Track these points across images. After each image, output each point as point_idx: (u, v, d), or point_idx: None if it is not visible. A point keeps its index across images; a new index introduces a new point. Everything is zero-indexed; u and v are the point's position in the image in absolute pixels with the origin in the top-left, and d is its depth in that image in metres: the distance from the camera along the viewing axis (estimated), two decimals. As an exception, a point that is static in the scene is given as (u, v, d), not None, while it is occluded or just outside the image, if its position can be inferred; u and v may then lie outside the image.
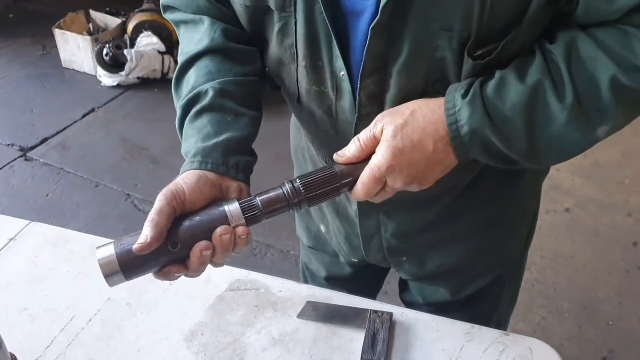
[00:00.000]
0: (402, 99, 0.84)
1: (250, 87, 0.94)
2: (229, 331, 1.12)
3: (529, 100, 0.76)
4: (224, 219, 0.80)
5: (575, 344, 2.32)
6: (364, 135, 0.82)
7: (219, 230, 0.78)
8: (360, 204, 1.08)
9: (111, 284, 0.78)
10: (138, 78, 3.94)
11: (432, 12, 0.76)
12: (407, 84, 0.84)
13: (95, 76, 4.03)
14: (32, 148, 3.46)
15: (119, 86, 3.95)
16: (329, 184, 0.83)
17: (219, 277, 1.23)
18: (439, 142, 0.79)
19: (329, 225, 1.24)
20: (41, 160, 3.37)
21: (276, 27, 0.88)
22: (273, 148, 3.24)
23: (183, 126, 0.91)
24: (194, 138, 0.87)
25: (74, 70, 4.15)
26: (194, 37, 0.96)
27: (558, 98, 0.76)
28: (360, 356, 1.05)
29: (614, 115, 0.75)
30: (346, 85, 0.87)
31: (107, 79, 3.94)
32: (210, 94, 0.88)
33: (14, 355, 0.93)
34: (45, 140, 3.52)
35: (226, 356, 1.07)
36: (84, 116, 3.74)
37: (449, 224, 1.10)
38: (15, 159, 3.38)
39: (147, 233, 0.75)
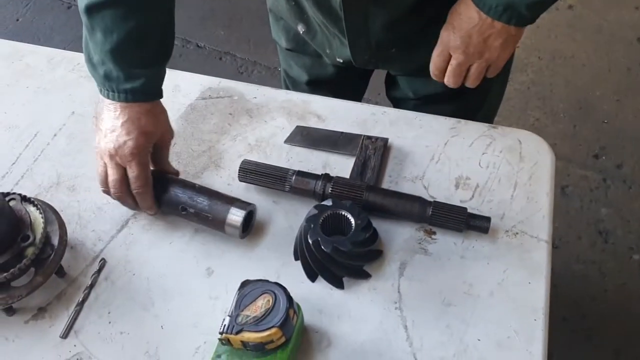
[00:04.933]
0: None
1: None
2: (203, 139, 1.07)
3: None
4: None
5: (567, 143, 2.31)
6: None
7: None
8: None
9: None
10: None
11: None
12: None
13: None
14: (-6, -32, 3.18)
15: None
16: None
17: (189, 86, 1.15)
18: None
19: (309, 21, 1.13)
20: (6, -18, 3.12)
21: None
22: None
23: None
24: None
25: None
26: None
27: None
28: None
29: None
30: None
31: None
32: None
33: None
34: (7, -42, 3.22)
35: (201, 163, 1.03)
36: None
37: (439, 1, 1.00)
38: (-22, -18, 3.12)
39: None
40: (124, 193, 0.91)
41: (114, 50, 0.88)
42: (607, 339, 1.86)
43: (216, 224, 0.90)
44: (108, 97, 0.91)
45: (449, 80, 1.01)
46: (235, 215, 0.89)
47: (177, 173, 0.99)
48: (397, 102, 1.27)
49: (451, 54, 0.97)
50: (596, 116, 2.39)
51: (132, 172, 0.90)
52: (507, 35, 0.93)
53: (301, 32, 1.16)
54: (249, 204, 0.91)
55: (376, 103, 1.64)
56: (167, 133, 0.96)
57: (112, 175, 0.91)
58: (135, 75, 0.90)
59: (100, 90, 0.92)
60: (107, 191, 0.93)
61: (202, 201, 0.91)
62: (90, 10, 0.88)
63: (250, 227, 0.94)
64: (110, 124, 0.90)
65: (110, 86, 0.90)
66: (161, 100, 0.95)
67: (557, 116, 2.40)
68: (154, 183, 0.92)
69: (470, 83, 1.01)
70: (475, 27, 0.93)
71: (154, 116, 0.93)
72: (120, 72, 0.89)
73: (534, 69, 2.54)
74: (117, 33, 0.88)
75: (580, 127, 2.36)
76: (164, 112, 0.96)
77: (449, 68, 0.99)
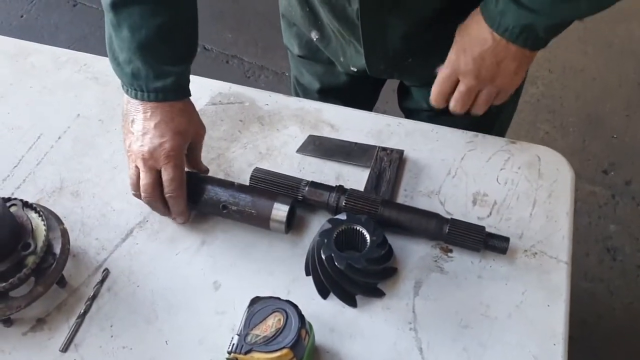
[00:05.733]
0: None
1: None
2: (212, 146, 1.03)
3: None
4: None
5: (576, 158, 2.28)
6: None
7: None
8: (362, 2, 0.93)
9: None
10: None
11: None
12: None
13: None
14: (-1, -36, 3.15)
15: None
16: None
17: (198, 90, 1.10)
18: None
19: (324, 29, 1.10)
20: (11, -22, 3.09)
21: None
22: None
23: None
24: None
25: None
26: None
27: None
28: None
29: None
30: None
31: None
32: None
33: None
34: (12, -45, 3.20)
35: (210, 171, 1.00)
36: None
37: (458, 10, 0.97)
38: (-18, -22, 3.09)
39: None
40: (156, 197, 0.88)
41: (143, 47, 0.85)
42: (614, 358, 1.82)
43: (260, 220, 0.88)
44: (137, 98, 0.87)
45: (455, 107, 0.95)
46: (280, 210, 0.87)
47: (207, 171, 0.96)
48: (410, 113, 1.24)
49: (460, 78, 0.92)
50: (606, 131, 2.36)
51: (166, 175, 0.86)
52: (522, 58, 0.89)
53: (315, 39, 1.13)
54: (291, 198, 0.89)
55: (384, 112, 1.60)
56: (200, 131, 0.93)
57: (145, 179, 0.86)
58: (165, 73, 0.86)
59: (127, 91, 0.88)
60: (137, 195, 0.90)
61: (245, 198, 0.88)
62: (116, 6, 0.84)
63: (293, 223, 0.92)
64: (141, 126, 0.86)
65: (139, 85, 0.86)
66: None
67: (567, 130, 2.37)
68: (187, 184, 0.89)
69: (477, 110, 0.97)
70: (489, 50, 0.88)
71: (187, 115, 0.89)
72: (150, 70, 0.85)
73: (544, 81, 2.52)
74: (146, 29, 0.84)
75: (590, 141, 2.33)
76: (195, 109, 0.93)
77: (457, 94, 0.94)
